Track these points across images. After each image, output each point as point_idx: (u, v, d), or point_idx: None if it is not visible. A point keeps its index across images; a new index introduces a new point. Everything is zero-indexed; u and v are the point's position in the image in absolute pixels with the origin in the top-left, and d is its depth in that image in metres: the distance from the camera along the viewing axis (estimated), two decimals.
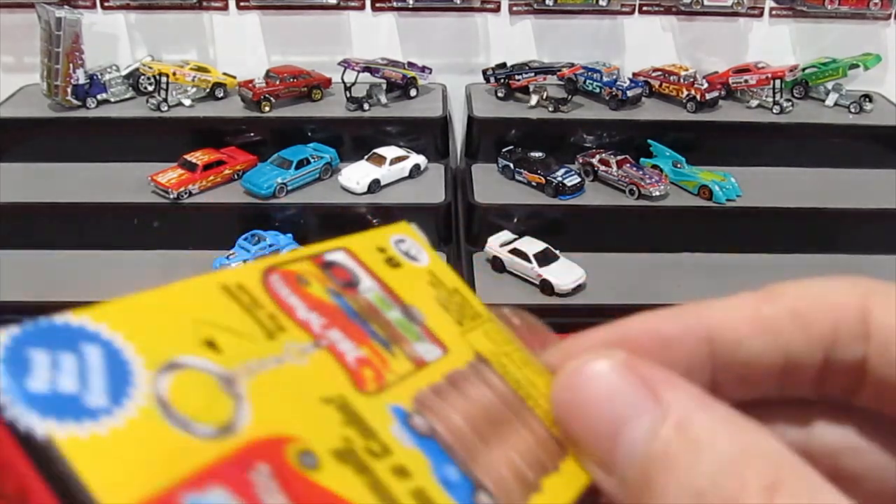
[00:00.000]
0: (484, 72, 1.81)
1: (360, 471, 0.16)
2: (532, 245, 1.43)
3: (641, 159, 1.65)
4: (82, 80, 1.70)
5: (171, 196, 1.52)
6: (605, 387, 0.19)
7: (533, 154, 1.61)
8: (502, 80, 1.78)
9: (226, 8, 1.85)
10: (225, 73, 1.80)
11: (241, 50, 1.87)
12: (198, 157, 1.58)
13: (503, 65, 1.81)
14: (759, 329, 0.21)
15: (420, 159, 1.65)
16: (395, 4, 1.85)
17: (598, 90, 1.77)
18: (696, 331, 0.22)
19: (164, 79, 1.70)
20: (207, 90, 1.76)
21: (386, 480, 0.17)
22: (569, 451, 0.20)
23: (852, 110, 1.78)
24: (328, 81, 1.79)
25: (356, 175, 1.58)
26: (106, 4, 1.82)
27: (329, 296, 0.21)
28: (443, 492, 0.17)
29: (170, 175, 1.55)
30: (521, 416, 0.21)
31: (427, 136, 1.73)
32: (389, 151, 1.63)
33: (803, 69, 1.83)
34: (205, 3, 1.84)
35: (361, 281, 0.22)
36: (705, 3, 1.83)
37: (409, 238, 0.25)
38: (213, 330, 0.18)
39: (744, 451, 0.17)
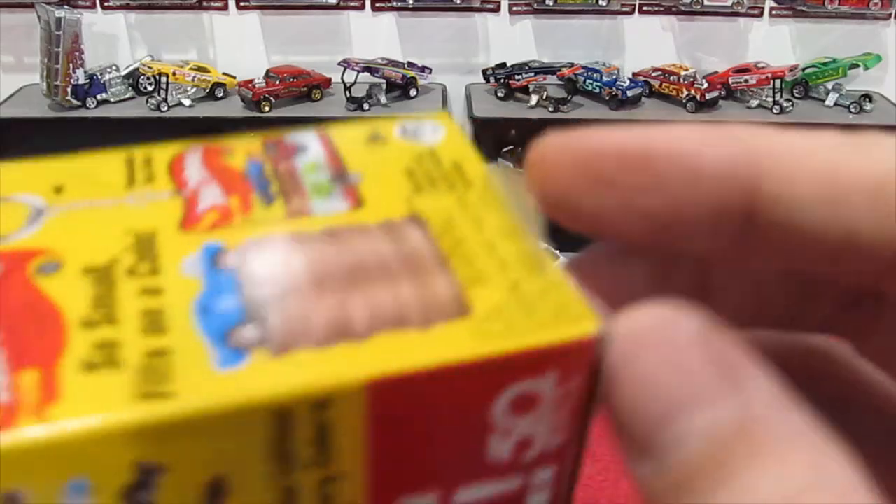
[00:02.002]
0: (484, 72, 1.81)
1: (98, 283, 0.15)
2: None
3: None
4: (82, 80, 1.70)
5: None
6: (676, 359, 0.15)
7: None
8: (502, 80, 1.78)
9: (226, 8, 1.85)
10: (225, 73, 1.80)
11: (241, 50, 1.87)
12: None
13: (503, 65, 1.81)
14: (831, 193, 0.15)
15: None
16: (395, 4, 1.85)
17: (598, 90, 1.77)
18: (742, 170, 0.16)
19: (163, 79, 1.70)
20: (207, 90, 1.76)
21: (122, 296, 0.15)
22: (463, 317, 0.16)
23: (852, 110, 1.78)
24: (328, 81, 1.79)
25: None
26: (106, 4, 1.82)
27: (243, 162, 0.18)
28: (187, 315, 0.14)
29: None
30: (421, 273, 0.16)
31: None
32: None
33: (803, 69, 1.83)
34: (205, 3, 1.84)
35: (306, 152, 0.19)
36: (705, 3, 1.83)
37: (429, 122, 0.20)
38: (71, 179, 0.17)
39: (815, 480, 0.14)
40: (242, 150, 0.18)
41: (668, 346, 0.15)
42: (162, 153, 0.18)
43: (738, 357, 0.15)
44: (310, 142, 0.19)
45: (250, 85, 1.72)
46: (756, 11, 1.88)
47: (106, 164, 0.18)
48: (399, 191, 0.18)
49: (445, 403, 0.15)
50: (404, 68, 1.79)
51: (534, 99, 1.75)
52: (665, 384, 0.15)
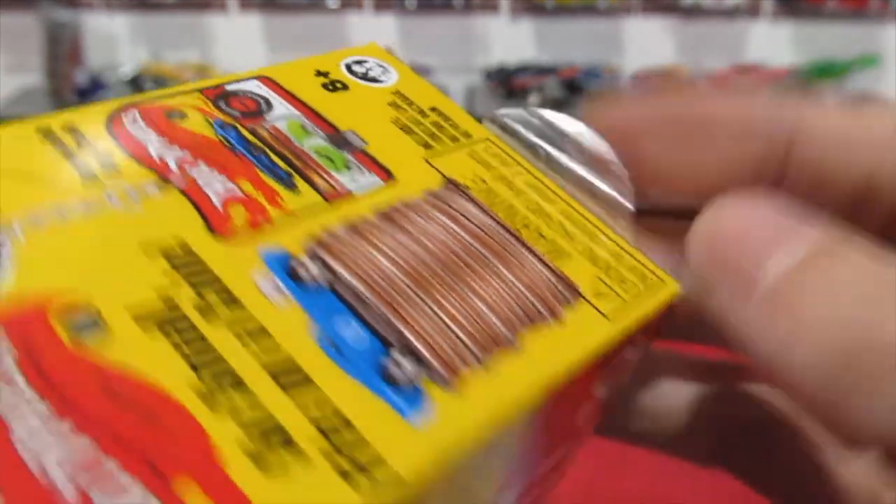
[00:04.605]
0: (484, 72, 1.82)
1: (174, 334, 0.12)
2: None
3: None
4: (82, 81, 1.70)
5: None
6: (751, 216, 0.16)
7: None
8: (502, 80, 1.78)
9: (226, 8, 1.85)
10: (225, 74, 1.80)
11: (241, 50, 1.88)
12: None
13: (503, 65, 1.81)
14: (853, 139, 0.18)
15: None
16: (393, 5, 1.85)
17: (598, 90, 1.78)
18: (779, 126, 0.18)
19: (164, 79, 1.71)
20: None
21: (220, 344, 0.12)
22: (579, 299, 0.15)
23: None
24: None
25: None
26: (107, 4, 1.82)
27: (211, 128, 0.16)
28: (322, 354, 0.12)
29: None
30: (506, 254, 0.16)
31: None
32: None
33: (803, 69, 1.83)
34: (205, 3, 1.85)
35: (273, 108, 0.17)
36: (705, 3, 1.83)
37: (372, 58, 0.20)
38: None
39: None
40: (189, 107, 0.16)
41: (747, 208, 0.16)
42: (85, 119, 0.16)
43: (803, 212, 0.16)
44: (261, 91, 0.17)
45: None
46: (756, 11, 1.89)
47: (22, 151, 0.14)
48: (411, 151, 0.17)
49: (582, 388, 0.15)
50: None
51: (534, 99, 1.75)
52: (750, 229, 0.16)
